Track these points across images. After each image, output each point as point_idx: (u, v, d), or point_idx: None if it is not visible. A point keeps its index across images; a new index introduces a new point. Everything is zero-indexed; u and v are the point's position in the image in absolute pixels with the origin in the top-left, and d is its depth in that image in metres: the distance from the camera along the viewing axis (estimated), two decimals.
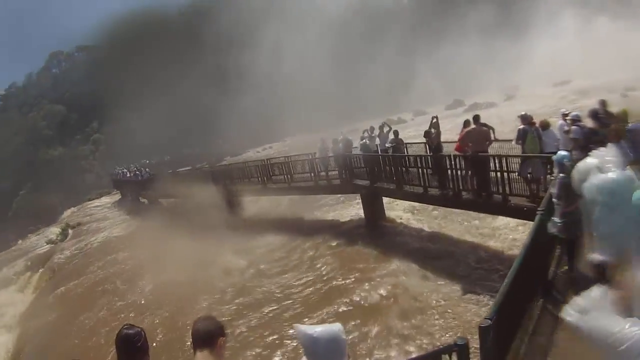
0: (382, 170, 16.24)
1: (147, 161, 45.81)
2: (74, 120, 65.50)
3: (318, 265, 15.57)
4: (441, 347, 3.53)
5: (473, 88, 49.16)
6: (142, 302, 17.72)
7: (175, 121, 57.39)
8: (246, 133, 52.52)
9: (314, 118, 49.54)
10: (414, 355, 9.00)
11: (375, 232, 16.94)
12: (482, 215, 14.67)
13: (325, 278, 14.43)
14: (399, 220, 17.53)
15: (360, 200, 18.32)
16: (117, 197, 44.54)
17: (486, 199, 11.94)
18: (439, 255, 13.96)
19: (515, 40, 50.97)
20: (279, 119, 53.77)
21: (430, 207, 16.79)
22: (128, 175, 40.93)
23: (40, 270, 29.74)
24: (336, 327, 2.50)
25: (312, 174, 19.92)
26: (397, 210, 18.21)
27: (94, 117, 65.54)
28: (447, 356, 3.28)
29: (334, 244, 16.97)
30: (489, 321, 3.51)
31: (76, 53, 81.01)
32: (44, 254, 33.92)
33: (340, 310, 12.19)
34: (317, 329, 2.47)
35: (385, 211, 17.86)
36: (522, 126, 11.34)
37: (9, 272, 32.50)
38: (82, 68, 74.16)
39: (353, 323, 11.26)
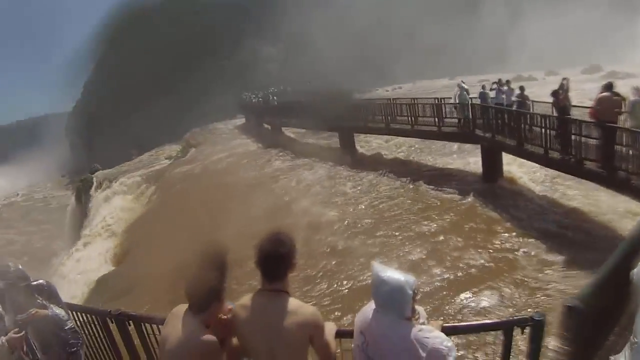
0: (505, 125, 16.41)
1: (274, 89, 47.12)
2: (206, 44, 67.76)
3: (427, 223, 15.12)
4: (516, 318, 3.30)
5: (608, 55, 46.32)
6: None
7: (315, 51, 58.24)
8: (373, 71, 52.35)
9: (430, 65, 49.27)
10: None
11: (491, 189, 16.83)
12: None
13: (431, 239, 14.03)
14: (518, 180, 17.47)
15: (479, 153, 18.33)
16: (242, 121, 46.50)
17: (610, 173, 11.67)
18: (561, 229, 13.28)
19: None
20: (398, 62, 53.42)
21: (552, 171, 16.12)
22: (254, 100, 43.13)
23: (156, 185, 31.93)
24: (407, 277, 2.58)
25: (436, 119, 20.17)
26: (516, 168, 17.99)
27: (226, 43, 67.96)
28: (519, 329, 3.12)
29: (448, 196, 16.91)
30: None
31: None
32: (161, 169, 36.29)
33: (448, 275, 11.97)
34: (387, 273, 2.60)
35: (504, 168, 17.78)
36: (633, 98, 11.35)
37: (128, 181, 34.88)
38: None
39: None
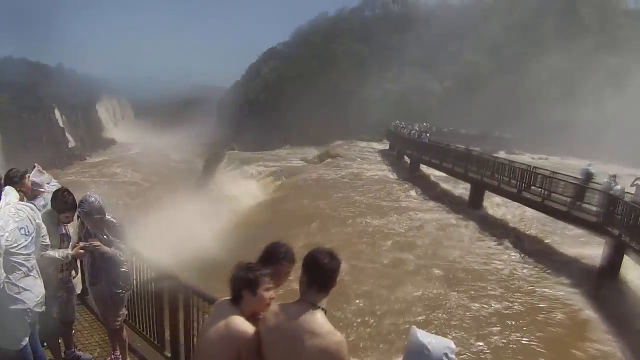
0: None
1: (426, 125, 47.14)
2: (372, 64, 69.66)
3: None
4: None
5: None
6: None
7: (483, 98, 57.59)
8: (540, 137, 50.27)
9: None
10: None
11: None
12: None
13: None
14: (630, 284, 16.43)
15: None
16: (385, 146, 47.18)
17: None
18: None
19: None
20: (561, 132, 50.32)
21: None
22: (407, 131, 43.21)
23: (283, 179, 33.48)
24: (449, 343, 2.49)
25: (570, 200, 19.38)
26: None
27: (392, 66, 69.43)
28: None
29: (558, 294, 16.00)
30: None
31: (392, 4, 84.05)
32: (293, 168, 37.74)
33: None
34: (432, 340, 2.47)
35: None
36: None
37: (259, 169, 36.75)
38: (394, 18, 77.89)
39: None
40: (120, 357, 5.38)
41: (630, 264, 16.55)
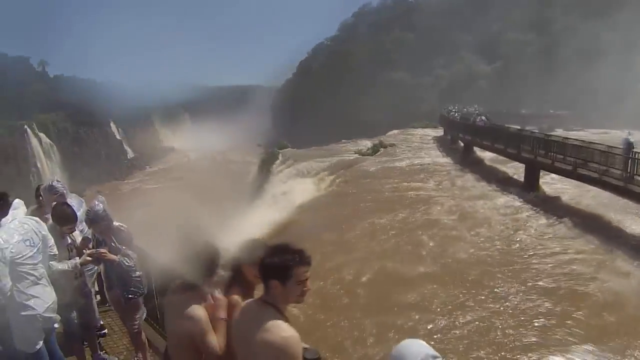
0: None
1: (476, 106, 46.78)
2: (420, 51, 69.29)
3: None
4: None
5: None
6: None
7: (545, 78, 56.29)
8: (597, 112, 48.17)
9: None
10: None
11: None
12: None
13: None
14: None
15: None
16: (440, 133, 46.61)
17: None
18: None
19: None
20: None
21: None
22: (456, 115, 42.74)
23: (338, 173, 33.54)
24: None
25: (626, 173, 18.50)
26: None
27: (441, 52, 68.88)
28: None
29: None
30: None
31: None
32: (347, 161, 37.56)
33: None
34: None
35: None
36: None
37: (314, 165, 36.84)
38: (438, 4, 76.94)
39: None
40: (141, 358, 5.54)
41: None
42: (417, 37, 71.68)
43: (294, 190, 32.54)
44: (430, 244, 19.21)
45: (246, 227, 24.98)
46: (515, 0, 67.02)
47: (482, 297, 14.74)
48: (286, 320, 2.67)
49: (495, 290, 15.08)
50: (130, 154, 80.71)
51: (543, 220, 21.18)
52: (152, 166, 78.38)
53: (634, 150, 19.12)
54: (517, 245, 18.97)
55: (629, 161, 18.74)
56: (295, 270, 2.65)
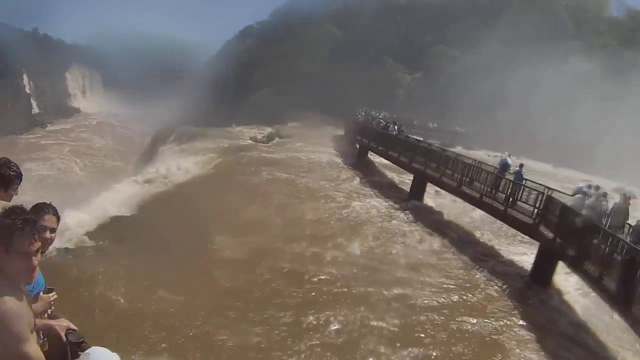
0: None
1: (385, 113, 45.90)
2: (347, 50, 67.02)
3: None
4: None
5: None
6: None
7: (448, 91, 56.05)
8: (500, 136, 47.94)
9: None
10: None
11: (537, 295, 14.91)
12: None
13: None
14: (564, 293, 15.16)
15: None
16: (341, 132, 45.38)
17: None
18: None
19: None
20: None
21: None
22: (360, 115, 41.31)
23: (223, 158, 32.40)
24: None
25: (509, 199, 17.54)
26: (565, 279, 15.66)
27: (367, 54, 67.47)
28: None
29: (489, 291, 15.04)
30: None
31: None
32: (240, 146, 36.65)
33: None
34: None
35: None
36: None
37: (204, 145, 35.88)
38: (374, 7, 75.59)
39: None
40: None
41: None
42: (346, 35, 70.29)
43: (176, 168, 30.91)
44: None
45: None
46: (450, 16, 67.19)
47: None
48: (13, 293, 2.44)
49: None
50: (35, 109, 76.56)
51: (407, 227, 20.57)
52: (53, 125, 74.96)
53: (509, 172, 19.23)
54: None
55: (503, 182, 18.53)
56: (17, 240, 2.43)
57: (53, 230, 3.47)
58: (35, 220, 2.72)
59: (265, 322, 12.32)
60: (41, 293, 3.34)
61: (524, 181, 18.03)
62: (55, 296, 3.39)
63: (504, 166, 19.62)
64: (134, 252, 16.41)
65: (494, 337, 12.47)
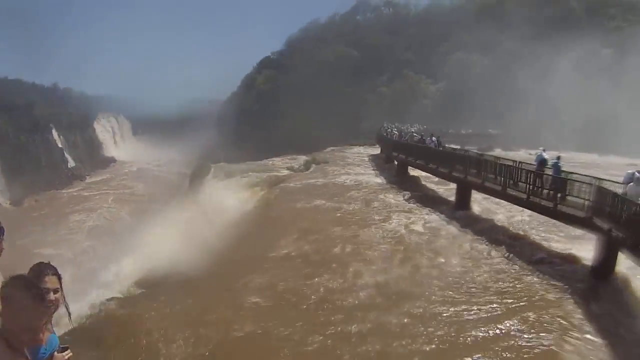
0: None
1: (419, 126, 45.96)
2: (365, 68, 68.65)
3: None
4: None
5: None
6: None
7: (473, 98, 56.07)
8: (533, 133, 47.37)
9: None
10: None
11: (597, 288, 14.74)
12: None
13: None
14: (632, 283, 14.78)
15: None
16: (377, 151, 45.62)
17: None
18: None
19: None
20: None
21: None
22: (394, 133, 41.68)
23: (267, 190, 32.78)
24: None
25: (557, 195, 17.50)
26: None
27: (385, 70, 68.29)
28: None
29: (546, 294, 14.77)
30: None
31: (384, 7, 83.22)
32: (278, 177, 36.93)
33: None
34: None
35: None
36: None
37: (244, 180, 36.20)
38: (386, 22, 77.00)
39: None
40: None
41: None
42: (362, 54, 70.91)
43: (222, 205, 31.32)
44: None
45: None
46: (461, 22, 67.31)
47: None
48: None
49: None
50: (71, 163, 77.70)
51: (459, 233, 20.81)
52: (92, 176, 76.30)
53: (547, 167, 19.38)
54: None
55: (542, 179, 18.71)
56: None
57: (56, 291, 3.42)
58: (43, 296, 2.82)
59: None
60: (55, 353, 3.33)
61: (566, 174, 18.01)
62: (70, 354, 3.38)
63: (542, 162, 19.79)
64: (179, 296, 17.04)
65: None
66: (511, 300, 14.56)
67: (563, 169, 18.61)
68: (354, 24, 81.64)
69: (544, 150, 20.75)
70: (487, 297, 14.94)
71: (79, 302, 17.76)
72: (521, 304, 14.32)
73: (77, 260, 34.01)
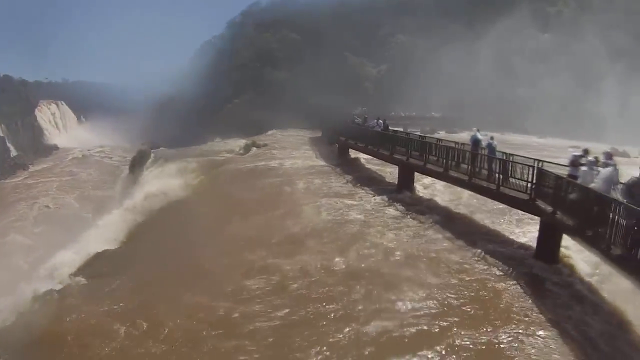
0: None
1: (363, 108, 45.68)
2: (305, 51, 67.77)
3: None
4: None
5: None
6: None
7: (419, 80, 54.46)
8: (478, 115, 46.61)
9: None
10: None
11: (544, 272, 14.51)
12: None
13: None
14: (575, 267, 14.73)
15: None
16: (318, 134, 44.71)
17: None
18: None
19: None
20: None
21: None
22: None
23: (204, 176, 31.98)
24: None
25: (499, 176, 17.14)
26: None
27: (328, 54, 67.49)
28: None
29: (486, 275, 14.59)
30: None
31: None
32: (218, 161, 36.29)
33: None
34: None
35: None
36: None
37: (183, 165, 35.25)
38: (328, 7, 76.10)
39: None
40: None
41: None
42: (304, 38, 69.79)
43: (160, 190, 30.50)
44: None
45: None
46: (405, 6, 67.24)
47: None
48: None
49: None
50: (14, 152, 74.99)
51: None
52: (35, 165, 73.43)
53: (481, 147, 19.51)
54: None
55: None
56: None
57: None
58: None
59: None
60: None
61: (508, 156, 18.03)
62: None
63: (476, 142, 19.96)
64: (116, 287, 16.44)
65: None
66: (448, 286, 14.08)
67: (497, 149, 18.66)
68: (296, 8, 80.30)
69: (478, 131, 20.87)
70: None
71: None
72: (459, 289, 13.88)
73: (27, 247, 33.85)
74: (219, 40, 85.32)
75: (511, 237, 17.64)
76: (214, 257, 17.22)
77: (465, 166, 19.50)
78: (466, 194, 21.14)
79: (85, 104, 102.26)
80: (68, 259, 20.90)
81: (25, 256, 31.10)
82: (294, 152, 36.61)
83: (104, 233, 24.56)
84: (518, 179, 16.57)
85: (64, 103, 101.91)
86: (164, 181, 32.37)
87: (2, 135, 74.19)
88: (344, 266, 15.66)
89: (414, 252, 16.35)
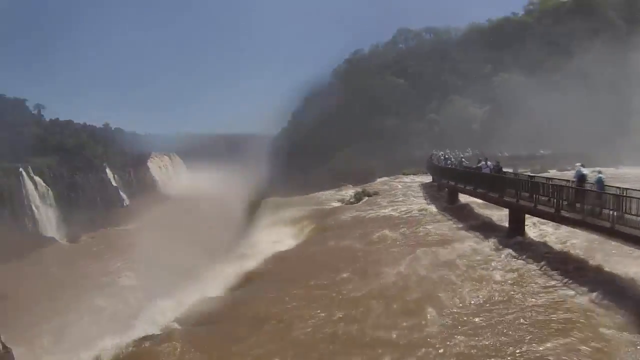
0: None
1: (471, 151, 45.55)
2: (412, 96, 68.63)
3: None
4: None
5: None
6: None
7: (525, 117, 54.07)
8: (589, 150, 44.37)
9: None
10: None
11: None
12: None
13: None
14: None
15: None
16: (428, 179, 44.84)
17: None
18: None
19: None
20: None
21: None
22: (442, 159, 40.54)
23: (316, 225, 32.70)
24: None
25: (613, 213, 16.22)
26: None
27: (433, 97, 68.03)
28: None
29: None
30: None
31: (424, 33, 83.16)
32: (329, 210, 37.03)
33: None
34: None
35: None
36: None
37: (295, 213, 36.44)
38: (428, 48, 77.05)
39: None
40: None
41: None
42: (408, 82, 71.01)
43: (270, 240, 32.03)
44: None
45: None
46: (503, 43, 66.85)
47: None
48: None
49: None
50: (127, 202, 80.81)
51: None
52: (148, 213, 75.63)
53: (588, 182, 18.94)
54: None
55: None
56: None
57: None
58: None
59: None
60: None
61: (621, 190, 16.90)
62: None
63: (581, 177, 19.43)
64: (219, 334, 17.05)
65: None
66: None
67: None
68: (397, 52, 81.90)
69: (582, 166, 20.19)
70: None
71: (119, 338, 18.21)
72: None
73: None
74: (326, 88, 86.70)
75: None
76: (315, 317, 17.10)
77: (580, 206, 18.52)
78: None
79: (191, 152, 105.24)
80: (168, 307, 21.79)
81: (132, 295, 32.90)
82: (402, 199, 37.00)
83: (214, 281, 25.49)
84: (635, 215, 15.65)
85: (176, 155, 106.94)
86: (276, 230, 34.11)
87: (115, 185, 79.62)
88: None
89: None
